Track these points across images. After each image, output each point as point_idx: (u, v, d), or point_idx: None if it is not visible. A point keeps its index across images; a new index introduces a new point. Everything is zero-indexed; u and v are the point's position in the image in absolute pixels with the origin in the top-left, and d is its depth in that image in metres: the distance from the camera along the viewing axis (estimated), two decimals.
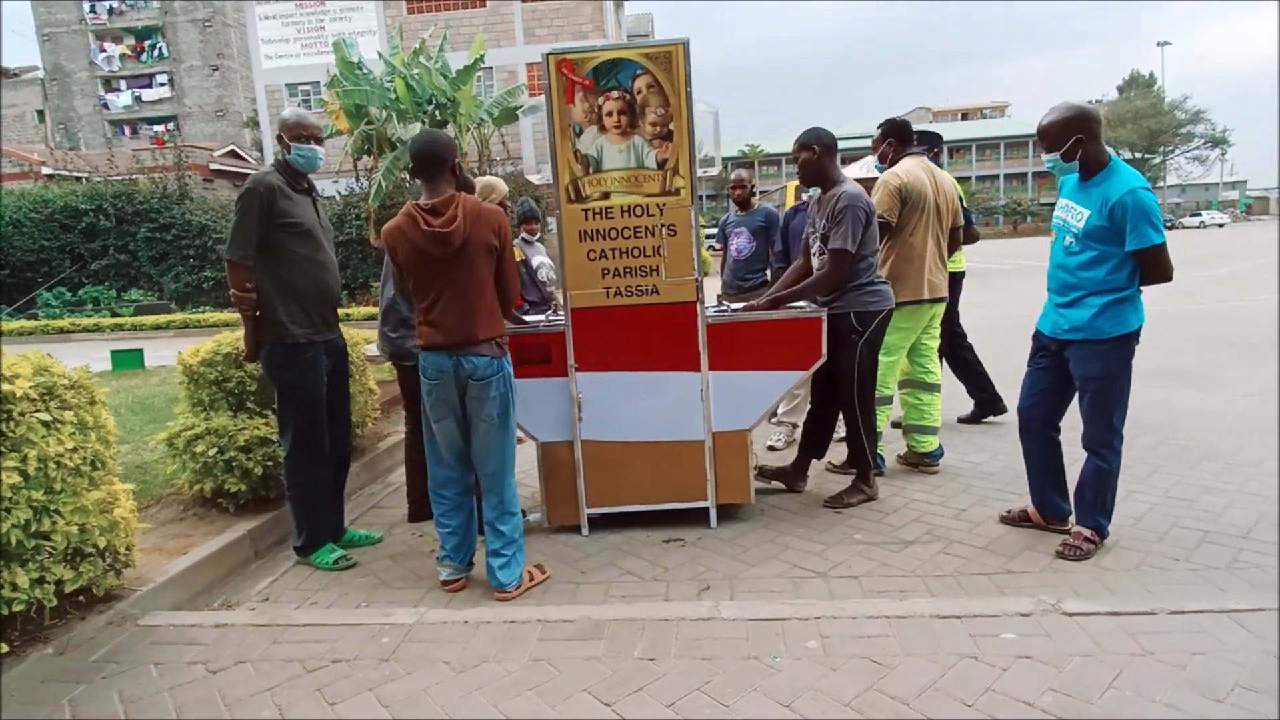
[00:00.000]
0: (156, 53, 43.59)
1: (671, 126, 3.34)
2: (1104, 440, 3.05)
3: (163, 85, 43.83)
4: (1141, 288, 2.95)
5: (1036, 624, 2.40)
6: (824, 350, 3.55)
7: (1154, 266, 2.86)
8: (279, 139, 3.26)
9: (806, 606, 2.61)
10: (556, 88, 3.33)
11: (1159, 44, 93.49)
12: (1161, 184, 64.77)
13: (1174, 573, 2.90)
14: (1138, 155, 58.03)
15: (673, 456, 3.58)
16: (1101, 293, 2.93)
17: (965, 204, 4.39)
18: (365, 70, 16.78)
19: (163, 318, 14.63)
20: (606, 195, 3.40)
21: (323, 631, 2.63)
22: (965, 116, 58.29)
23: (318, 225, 3.33)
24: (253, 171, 30.82)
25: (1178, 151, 60.12)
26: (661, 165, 3.37)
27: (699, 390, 3.51)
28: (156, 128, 43.12)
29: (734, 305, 3.91)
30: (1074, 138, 2.90)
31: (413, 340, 3.64)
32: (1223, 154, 60.93)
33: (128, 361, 8.94)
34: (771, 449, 4.89)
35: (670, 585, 3.03)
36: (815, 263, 3.68)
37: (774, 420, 5.04)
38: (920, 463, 4.24)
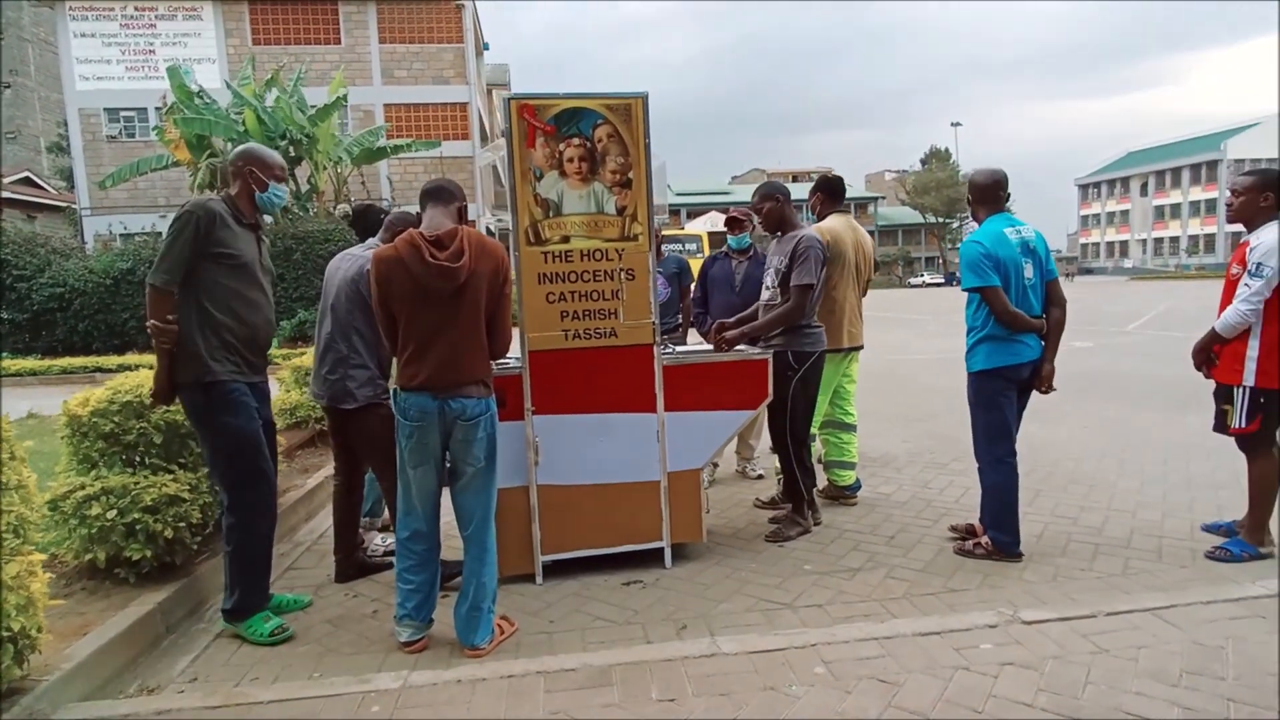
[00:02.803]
0: None
1: (631, 175, 3.45)
2: (977, 456, 3.63)
3: None
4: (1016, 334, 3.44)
5: (1005, 633, 2.65)
6: (770, 390, 3.74)
7: (990, 308, 3.44)
8: (247, 174, 3.03)
9: (801, 635, 2.71)
10: (518, 132, 3.34)
11: (952, 124, 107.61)
12: (959, 244, 73.47)
13: (1084, 581, 3.30)
14: (940, 219, 65.78)
15: (628, 498, 3.59)
16: (971, 330, 3.55)
17: None
18: (208, 100, 15.62)
19: None
20: (566, 239, 3.43)
21: (296, 706, 2.37)
22: (796, 179, 63.58)
23: (256, 262, 3.07)
24: (54, 202, 27.33)
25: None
26: (621, 212, 3.46)
27: (655, 431, 3.57)
28: None
29: (679, 348, 4.04)
30: (967, 198, 3.66)
31: (355, 381, 3.43)
32: None
33: None
34: None
35: (647, 627, 3.02)
36: (764, 295, 3.92)
37: None
38: (840, 496, 4.53)
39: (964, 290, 3.53)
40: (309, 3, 23.55)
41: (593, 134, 3.40)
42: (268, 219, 3.35)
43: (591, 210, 3.44)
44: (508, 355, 3.50)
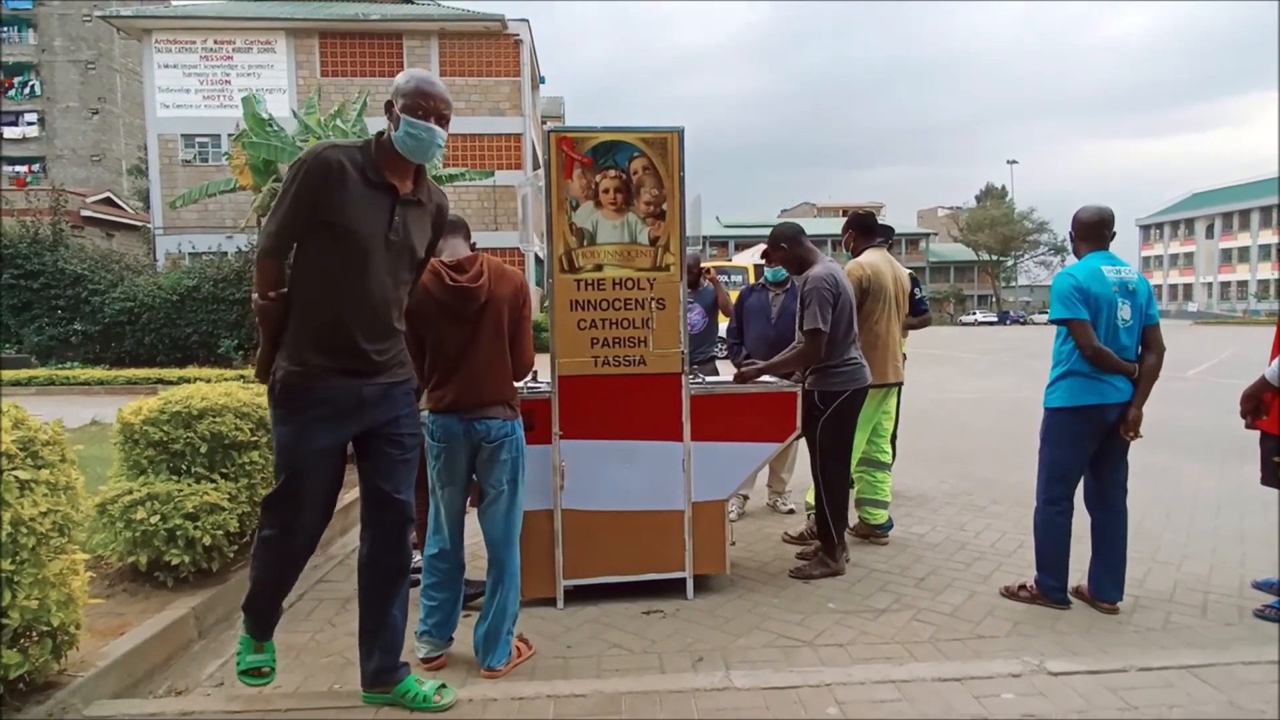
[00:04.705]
0: (28, 90, 40.78)
1: (665, 207, 3.51)
2: (1037, 493, 3.50)
3: (31, 124, 40.85)
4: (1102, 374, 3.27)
5: (1029, 684, 2.57)
6: (798, 424, 3.72)
7: (1075, 341, 3.30)
8: (388, 109, 2.40)
9: (816, 674, 2.67)
10: (556, 163, 3.45)
11: (1009, 162, 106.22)
12: (1014, 283, 71.83)
13: (1120, 634, 3.17)
14: (994, 257, 64.51)
15: (652, 526, 3.59)
16: (1056, 364, 3.42)
17: (919, 289, 4.80)
18: (277, 127, 16.35)
19: (22, 373, 13.21)
20: (599, 267, 3.50)
21: (313, 714, 2.43)
22: (845, 213, 63.45)
23: (381, 235, 2.34)
24: (131, 222, 28.46)
25: (1026, 256, 67.32)
26: (654, 242, 3.52)
27: (680, 460, 3.58)
28: (18, 168, 39.86)
29: (709, 378, 4.05)
30: (1070, 233, 3.54)
31: None
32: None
33: None
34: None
35: (663, 657, 3.01)
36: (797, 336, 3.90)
37: None
38: (871, 534, 4.45)
39: (1050, 322, 3.43)
40: (376, 38, 24.72)
41: (629, 166, 3.48)
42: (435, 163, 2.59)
43: (625, 240, 3.51)
44: (539, 380, 3.61)
